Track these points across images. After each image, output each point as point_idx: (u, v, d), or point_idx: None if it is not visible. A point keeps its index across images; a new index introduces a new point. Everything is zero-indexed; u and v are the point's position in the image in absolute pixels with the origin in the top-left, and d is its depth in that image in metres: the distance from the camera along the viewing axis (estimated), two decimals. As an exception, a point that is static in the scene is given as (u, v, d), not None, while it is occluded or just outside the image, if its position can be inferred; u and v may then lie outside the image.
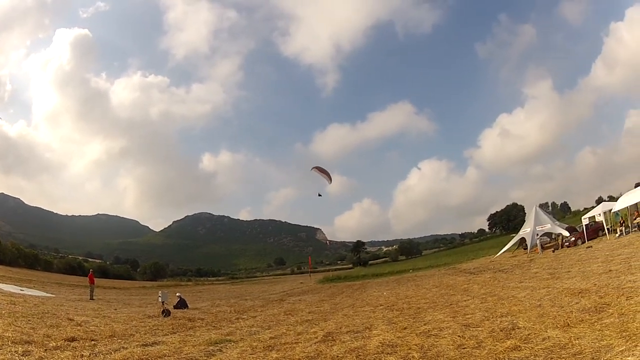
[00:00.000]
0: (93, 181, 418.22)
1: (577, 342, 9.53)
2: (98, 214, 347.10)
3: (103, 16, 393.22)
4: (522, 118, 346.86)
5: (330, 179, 54.93)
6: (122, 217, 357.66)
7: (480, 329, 12.80)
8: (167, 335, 16.18)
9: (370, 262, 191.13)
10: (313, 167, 53.34)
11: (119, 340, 14.40)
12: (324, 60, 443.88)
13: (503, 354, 9.71)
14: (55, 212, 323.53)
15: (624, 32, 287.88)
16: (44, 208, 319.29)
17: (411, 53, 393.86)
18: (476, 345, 10.82)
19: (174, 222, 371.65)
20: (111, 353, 11.91)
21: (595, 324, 10.84)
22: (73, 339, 13.77)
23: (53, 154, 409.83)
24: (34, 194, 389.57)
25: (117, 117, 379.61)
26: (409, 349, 11.27)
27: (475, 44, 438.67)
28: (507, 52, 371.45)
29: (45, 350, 11.82)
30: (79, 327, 16.91)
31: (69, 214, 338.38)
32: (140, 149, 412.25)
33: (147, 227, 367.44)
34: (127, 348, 12.74)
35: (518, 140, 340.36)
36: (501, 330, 11.99)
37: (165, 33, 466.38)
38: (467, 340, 11.40)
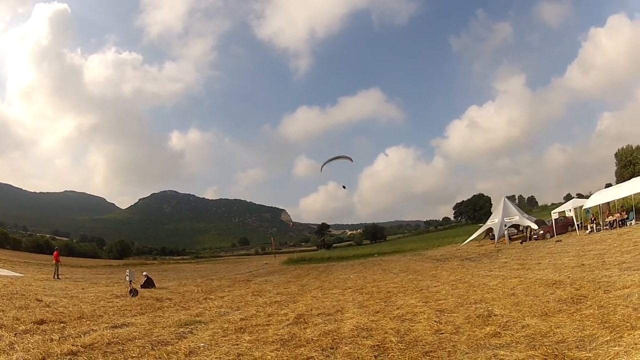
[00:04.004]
0: (63, 158, 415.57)
1: (558, 330, 9.59)
2: (66, 190, 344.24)
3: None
4: (492, 111, 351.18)
5: (349, 158, 54.04)
6: (90, 195, 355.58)
7: (455, 314, 12.79)
8: (136, 316, 15.89)
9: (334, 245, 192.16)
10: (322, 166, 52.47)
11: (88, 322, 14.09)
12: (298, 45, 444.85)
13: (483, 340, 9.68)
14: (24, 189, 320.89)
15: (603, 38, 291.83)
16: (14, 185, 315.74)
17: (386, 42, 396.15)
18: (454, 331, 10.75)
19: (140, 199, 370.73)
20: (80, 336, 11.60)
21: (575, 314, 10.92)
22: (42, 322, 13.48)
23: (25, 131, 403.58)
24: (4, 171, 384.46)
25: (89, 93, 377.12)
26: (385, 333, 11.18)
27: (450, 37, 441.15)
28: (481, 46, 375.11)
29: (15, 334, 11.52)
30: (47, 309, 16.63)
31: (37, 191, 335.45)
32: (110, 126, 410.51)
33: (114, 204, 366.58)
34: (96, 330, 12.45)
35: (487, 133, 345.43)
36: (477, 317, 11.98)
37: (142, 11, 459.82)
38: (444, 326, 11.34)
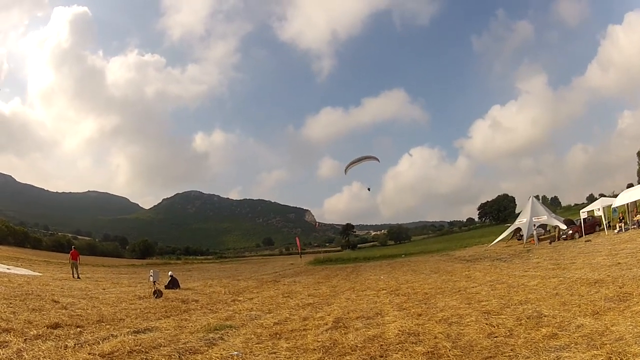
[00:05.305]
0: (85, 158, 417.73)
1: (614, 328, 9.50)
2: (88, 191, 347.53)
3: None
4: (515, 111, 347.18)
5: (376, 158, 53.53)
6: (113, 195, 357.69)
7: (503, 316, 12.29)
8: (161, 319, 14.97)
9: (359, 245, 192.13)
10: (347, 168, 51.85)
11: (108, 327, 13.13)
12: (321, 46, 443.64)
13: (542, 342, 9.31)
14: (46, 189, 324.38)
15: (621, 35, 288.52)
16: (35, 185, 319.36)
17: (408, 43, 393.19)
18: (508, 334, 10.30)
19: (163, 199, 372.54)
20: (99, 342, 10.63)
21: (625, 311, 10.89)
22: (57, 325, 12.54)
23: (46, 132, 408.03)
24: (25, 172, 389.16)
25: (112, 95, 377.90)
26: (435, 337, 10.65)
27: (471, 36, 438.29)
28: (502, 46, 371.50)
29: (25, 340, 10.53)
30: (63, 311, 15.69)
31: (60, 191, 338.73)
32: (133, 127, 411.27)
33: (137, 204, 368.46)
34: (116, 336, 11.44)
35: (509, 133, 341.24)
36: (528, 318, 11.59)
37: (163, 14, 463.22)
38: (496, 329, 10.86)
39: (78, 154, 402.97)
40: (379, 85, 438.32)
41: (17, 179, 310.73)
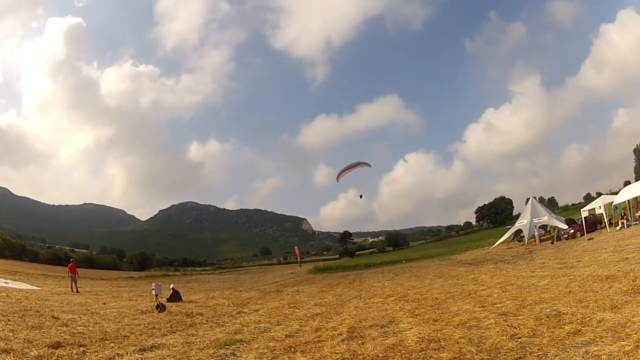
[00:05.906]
0: (80, 170, 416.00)
1: (635, 320, 9.63)
2: (85, 203, 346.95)
3: (99, 4, 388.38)
4: (509, 113, 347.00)
5: (367, 164, 53.29)
6: (109, 207, 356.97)
7: (522, 317, 12.20)
8: (166, 335, 14.46)
9: (357, 252, 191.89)
10: (339, 175, 51.66)
11: (112, 345, 12.58)
12: (314, 53, 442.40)
13: (567, 339, 9.30)
14: (42, 201, 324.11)
15: (614, 34, 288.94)
16: (32, 198, 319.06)
17: (401, 48, 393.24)
18: (531, 334, 10.23)
19: (160, 211, 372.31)
20: (104, 364, 10.08)
21: None
22: (58, 345, 11.95)
23: (42, 144, 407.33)
24: (21, 184, 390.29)
25: (107, 105, 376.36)
26: (457, 343, 10.43)
27: (464, 40, 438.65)
28: (495, 49, 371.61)
29: (25, 362, 9.99)
30: (64, 328, 15.13)
31: (56, 204, 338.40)
32: (129, 138, 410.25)
33: (134, 216, 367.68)
34: (122, 355, 10.98)
35: (504, 136, 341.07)
36: (547, 317, 11.55)
37: (156, 24, 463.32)
38: (518, 330, 10.76)
39: (74, 164, 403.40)
40: (373, 91, 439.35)
41: (14, 192, 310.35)
